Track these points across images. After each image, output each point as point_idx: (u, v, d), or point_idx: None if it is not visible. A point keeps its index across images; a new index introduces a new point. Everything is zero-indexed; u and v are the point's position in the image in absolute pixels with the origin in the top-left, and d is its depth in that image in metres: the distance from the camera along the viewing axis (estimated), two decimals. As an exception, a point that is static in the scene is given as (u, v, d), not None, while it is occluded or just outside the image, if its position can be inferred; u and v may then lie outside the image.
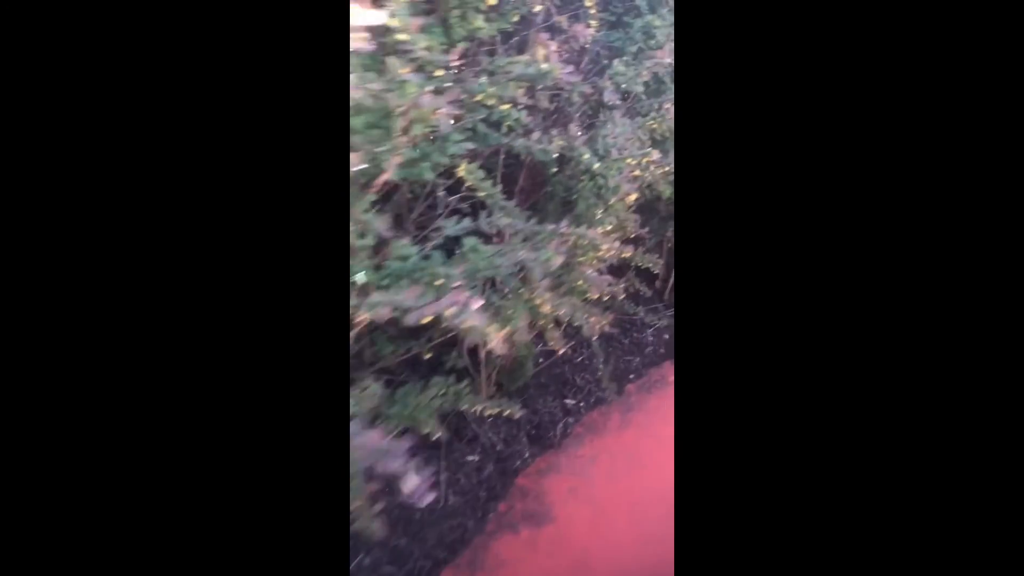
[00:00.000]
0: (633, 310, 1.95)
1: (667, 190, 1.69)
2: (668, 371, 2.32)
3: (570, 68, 1.06)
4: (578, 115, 1.41)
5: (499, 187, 1.30)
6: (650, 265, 1.85)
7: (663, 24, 1.64)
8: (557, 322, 1.25)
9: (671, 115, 1.46)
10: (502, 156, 1.45)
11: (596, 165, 1.30)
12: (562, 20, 1.30)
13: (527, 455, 1.94)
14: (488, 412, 1.26)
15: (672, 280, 2.58)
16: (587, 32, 1.35)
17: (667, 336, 2.49)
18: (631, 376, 2.30)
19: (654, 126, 1.45)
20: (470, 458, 1.85)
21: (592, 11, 1.43)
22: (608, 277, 1.28)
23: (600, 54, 1.56)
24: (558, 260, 1.02)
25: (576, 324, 1.26)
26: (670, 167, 1.46)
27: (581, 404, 2.15)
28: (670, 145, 1.74)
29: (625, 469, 1.88)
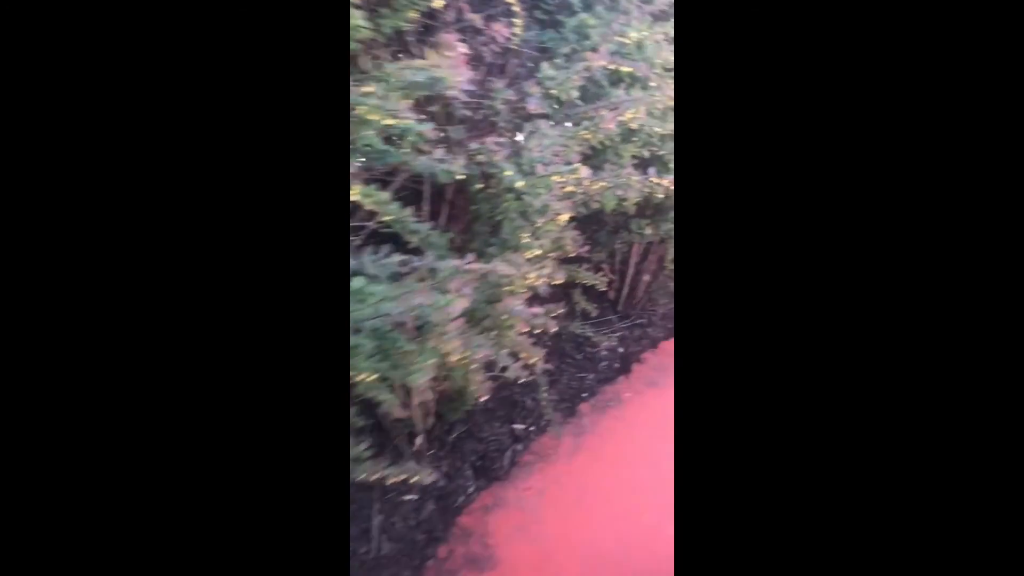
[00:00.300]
0: (580, 329, 1.75)
1: (610, 202, 1.50)
2: (622, 387, 2.14)
3: (469, 75, 0.87)
4: (501, 126, 1.21)
5: (411, 210, 1.10)
6: (595, 283, 1.67)
7: (598, 23, 1.45)
8: (484, 365, 1.05)
9: (607, 123, 1.27)
10: (428, 179, 1.24)
11: (519, 183, 1.10)
12: (476, 19, 1.11)
13: (471, 489, 1.73)
14: (391, 480, 1.06)
15: (626, 290, 2.41)
16: (507, 32, 1.16)
17: (621, 350, 2.31)
18: (584, 395, 2.11)
19: (588, 136, 1.26)
20: (408, 497, 1.65)
21: (515, 8, 1.23)
22: (536, 309, 1.08)
23: (530, 56, 1.36)
24: (461, 303, 0.83)
25: (502, 365, 1.07)
26: (607, 182, 1.27)
27: (531, 428, 1.95)
28: (612, 154, 1.55)
29: (576, 502, 1.70)
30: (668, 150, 1.65)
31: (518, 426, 1.92)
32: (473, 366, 1.03)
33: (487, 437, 1.86)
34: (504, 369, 1.04)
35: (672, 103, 1.37)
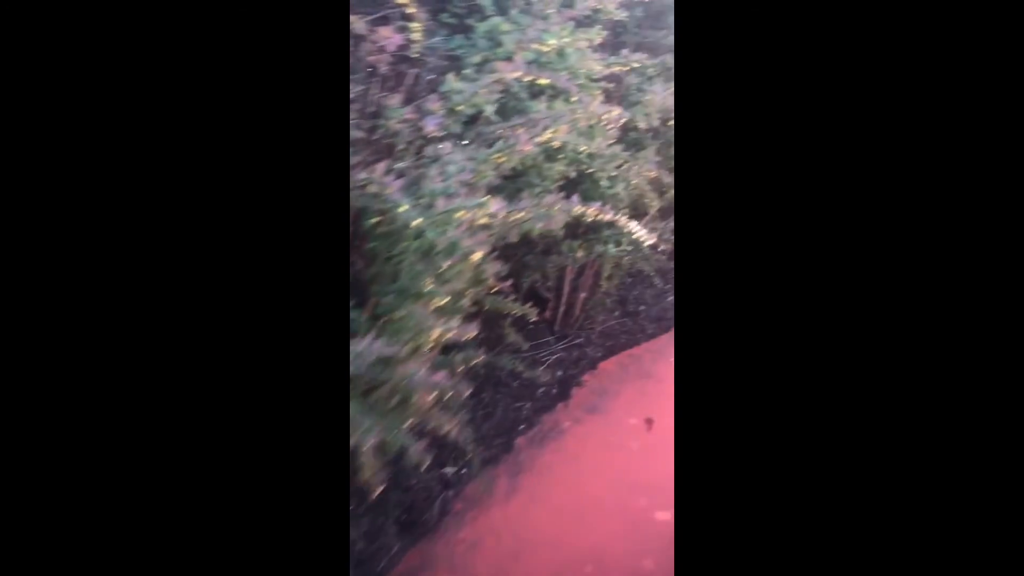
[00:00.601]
0: (511, 363, 1.54)
1: (535, 227, 1.30)
2: (561, 416, 1.94)
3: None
4: (400, 149, 0.98)
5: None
6: (524, 313, 1.46)
7: (513, 29, 1.23)
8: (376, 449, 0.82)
9: (523, 144, 1.06)
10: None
11: (417, 221, 0.88)
12: (356, 22, 0.87)
13: (395, 549, 1.50)
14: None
15: (562, 309, 2.22)
16: (400, 39, 0.93)
17: (559, 373, 2.11)
18: (521, 427, 1.90)
19: (502, 160, 1.05)
20: (321, 569, 1.40)
21: (411, 11, 1.00)
22: (441, 375, 0.87)
23: (434, 67, 1.14)
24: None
25: (401, 445, 0.84)
26: (526, 211, 1.05)
27: (463, 471, 1.73)
28: (536, 176, 1.34)
29: (513, 555, 1.49)
30: (597, 167, 1.46)
31: (448, 470, 1.69)
32: (364, 449, 0.80)
33: (414, 486, 1.62)
34: (403, 454, 0.82)
35: (598, 119, 1.18)
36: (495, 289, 1.20)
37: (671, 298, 2.51)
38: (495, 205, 0.91)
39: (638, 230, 1.10)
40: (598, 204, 1.06)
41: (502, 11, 1.26)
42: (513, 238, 1.08)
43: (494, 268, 1.21)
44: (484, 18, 1.23)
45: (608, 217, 1.04)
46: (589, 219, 1.14)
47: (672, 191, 1.87)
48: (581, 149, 1.24)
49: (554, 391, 2.02)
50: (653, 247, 1.18)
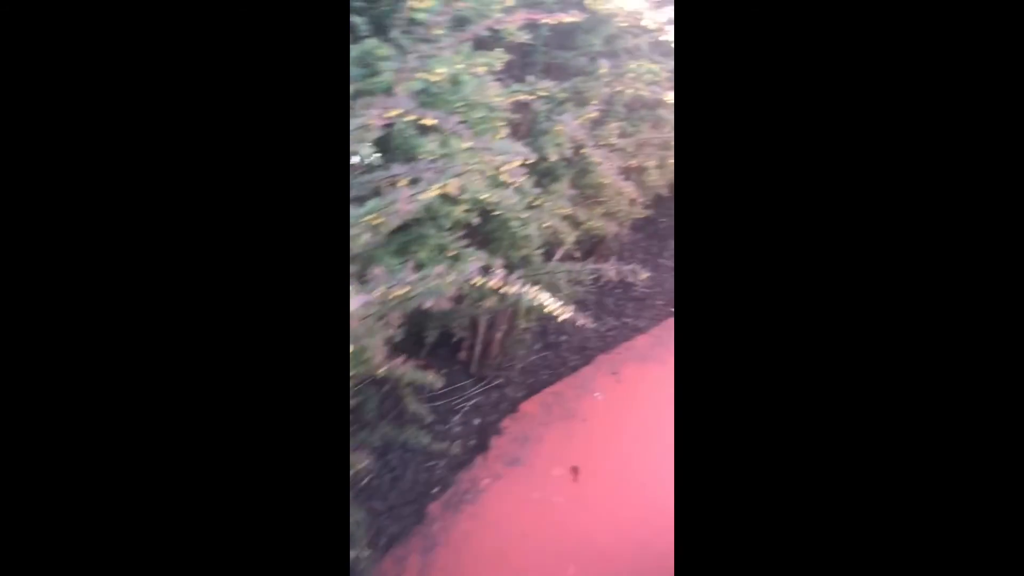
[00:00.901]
0: (416, 438, 1.31)
1: (429, 297, 1.07)
2: (479, 471, 1.73)
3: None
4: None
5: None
6: (427, 381, 1.23)
7: (394, 53, 0.99)
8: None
9: (405, 200, 0.82)
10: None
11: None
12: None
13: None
14: None
15: (478, 349, 2.00)
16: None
17: (477, 420, 1.90)
18: (434, 490, 1.66)
19: (379, 221, 0.81)
20: None
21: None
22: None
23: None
24: None
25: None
26: (409, 285, 0.82)
27: (368, 554, 1.48)
28: (431, 227, 1.11)
29: (423, 660, 1.26)
30: (505, 208, 1.25)
31: (352, 553, 1.43)
32: None
33: (307, 582, 1.35)
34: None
35: (497, 170, 0.96)
36: (384, 367, 0.96)
37: (592, 325, 2.36)
38: (359, 299, 0.67)
39: (551, 303, 0.90)
40: (502, 273, 0.85)
41: (380, 31, 1.01)
42: (394, 320, 0.85)
43: (384, 334, 0.97)
44: (357, 40, 0.98)
45: (514, 290, 0.83)
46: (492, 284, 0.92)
47: (588, 222, 1.70)
48: (483, 196, 1.02)
49: (471, 443, 1.80)
50: (570, 320, 0.98)
